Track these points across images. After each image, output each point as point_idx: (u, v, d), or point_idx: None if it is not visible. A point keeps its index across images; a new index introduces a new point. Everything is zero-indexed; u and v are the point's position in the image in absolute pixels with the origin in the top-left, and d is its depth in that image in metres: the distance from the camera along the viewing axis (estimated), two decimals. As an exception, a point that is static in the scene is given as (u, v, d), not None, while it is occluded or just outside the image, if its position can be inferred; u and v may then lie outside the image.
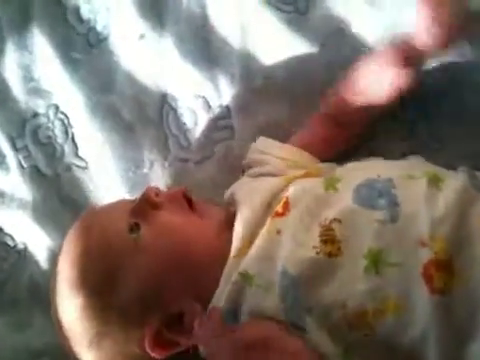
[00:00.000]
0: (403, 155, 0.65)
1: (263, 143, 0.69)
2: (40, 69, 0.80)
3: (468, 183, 0.54)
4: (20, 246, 0.83)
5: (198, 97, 0.76)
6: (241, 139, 0.74)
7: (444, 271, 0.49)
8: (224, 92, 0.74)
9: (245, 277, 0.55)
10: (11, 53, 0.81)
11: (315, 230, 0.54)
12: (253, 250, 0.56)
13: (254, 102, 0.73)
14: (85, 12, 0.80)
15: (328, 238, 0.53)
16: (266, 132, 0.71)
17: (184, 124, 0.76)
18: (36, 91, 0.81)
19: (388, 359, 0.51)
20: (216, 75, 0.75)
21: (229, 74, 0.74)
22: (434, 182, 0.55)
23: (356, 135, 0.67)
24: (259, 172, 0.66)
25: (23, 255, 0.82)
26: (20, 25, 0.81)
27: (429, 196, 0.53)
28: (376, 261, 0.51)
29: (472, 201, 0.52)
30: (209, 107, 0.75)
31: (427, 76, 0.65)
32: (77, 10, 0.80)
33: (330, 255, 0.53)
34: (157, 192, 0.64)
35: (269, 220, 0.57)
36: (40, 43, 0.80)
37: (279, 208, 0.58)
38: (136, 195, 0.76)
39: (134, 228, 0.59)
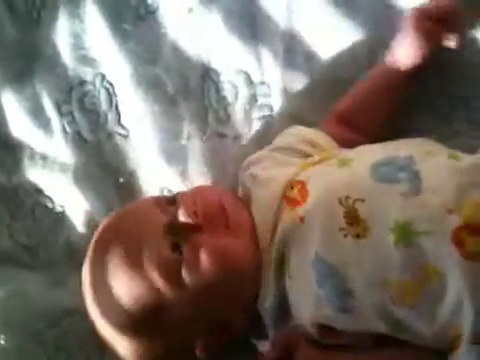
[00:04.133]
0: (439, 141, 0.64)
1: (295, 127, 0.71)
2: (90, 38, 0.83)
3: None
4: (58, 208, 0.86)
5: (240, 72, 0.77)
6: (280, 118, 0.76)
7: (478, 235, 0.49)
8: (267, 69, 0.76)
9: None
10: (64, 21, 0.83)
11: (339, 212, 0.55)
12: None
13: (295, 83, 0.74)
14: (137, -16, 0.81)
15: (353, 219, 0.54)
16: (306, 113, 0.73)
17: (224, 98, 0.78)
18: (85, 59, 0.83)
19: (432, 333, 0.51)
20: (260, 51, 0.76)
21: (272, 51, 0.75)
22: (453, 156, 0.57)
23: (367, 135, 0.68)
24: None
25: (60, 217, 0.85)
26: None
27: (451, 167, 0.54)
28: (404, 233, 0.51)
29: None
30: (251, 82, 0.77)
31: (466, 60, 0.65)
32: (129, -18, 0.82)
33: (358, 236, 0.53)
34: (195, 209, 0.60)
35: (288, 210, 0.58)
36: (92, 13, 0.82)
37: (297, 196, 0.59)
38: (173, 166, 0.80)
39: (176, 249, 0.59)
